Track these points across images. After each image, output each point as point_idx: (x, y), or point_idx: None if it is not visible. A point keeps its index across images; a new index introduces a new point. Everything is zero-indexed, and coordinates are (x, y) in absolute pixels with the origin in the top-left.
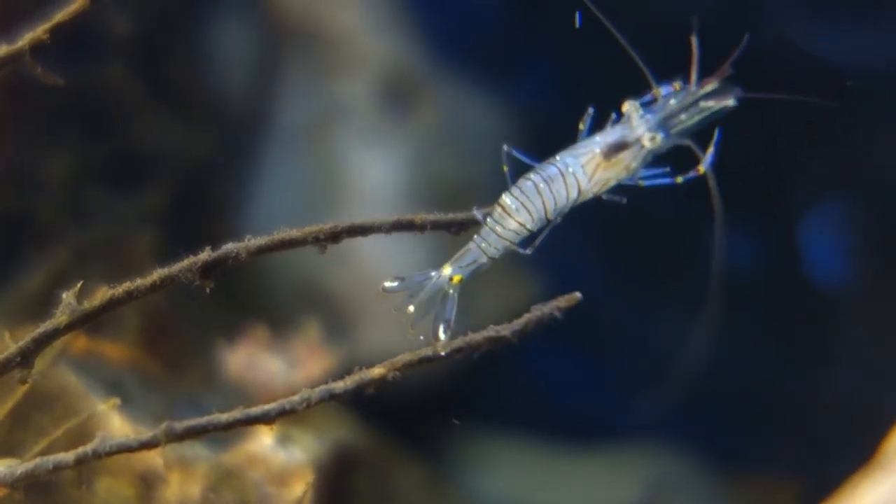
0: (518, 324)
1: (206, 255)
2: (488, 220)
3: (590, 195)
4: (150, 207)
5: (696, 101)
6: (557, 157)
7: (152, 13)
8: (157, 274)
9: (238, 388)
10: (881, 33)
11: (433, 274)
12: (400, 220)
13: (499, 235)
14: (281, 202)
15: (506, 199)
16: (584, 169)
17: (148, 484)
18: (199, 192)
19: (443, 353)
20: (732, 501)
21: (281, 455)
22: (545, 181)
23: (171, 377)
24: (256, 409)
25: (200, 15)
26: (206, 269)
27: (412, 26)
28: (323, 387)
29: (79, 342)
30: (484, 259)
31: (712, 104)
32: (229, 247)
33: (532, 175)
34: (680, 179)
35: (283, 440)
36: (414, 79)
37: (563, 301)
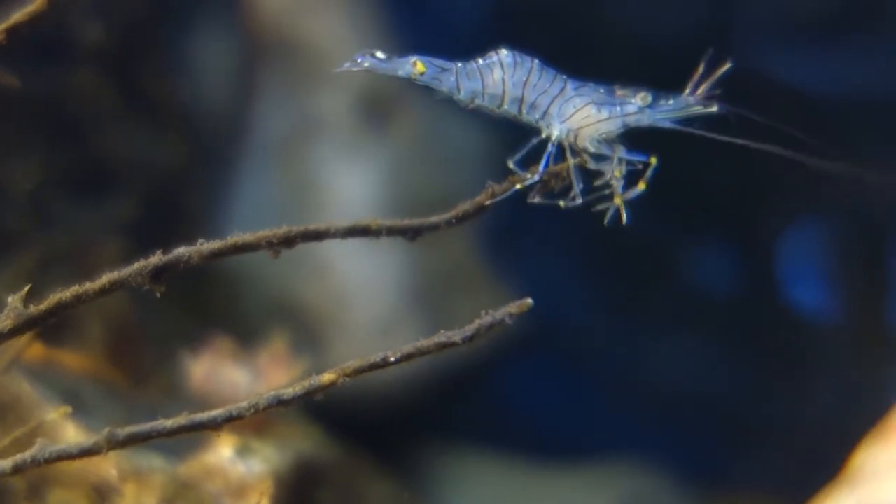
0: (469, 329)
1: (156, 258)
2: (478, 58)
3: (563, 131)
4: (117, 217)
5: (683, 104)
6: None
7: (126, 22)
8: (107, 278)
9: (201, 400)
10: (855, 61)
11: (402, 59)
12: (355, 226)
13: (475, 71)
14: (255, 215)
15: (505, 49)
16: (574, 102)
17: (102, 496)
18: (169, 202)
19: (393, 360)
20: None
21: (240, 467)
22: (542, 75)
23: (133, 388)
24: (203, 415)
25: (176, 25)
26: (157, 273)
27: (390, 40)
28: (271, 392)
29: (35, 350)
30: (451, 79)
31: (698, 109)
32: (181, 251)
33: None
34: (654, 161)
35: (243, 452)
36: (391, 93)
37: (515, 307)
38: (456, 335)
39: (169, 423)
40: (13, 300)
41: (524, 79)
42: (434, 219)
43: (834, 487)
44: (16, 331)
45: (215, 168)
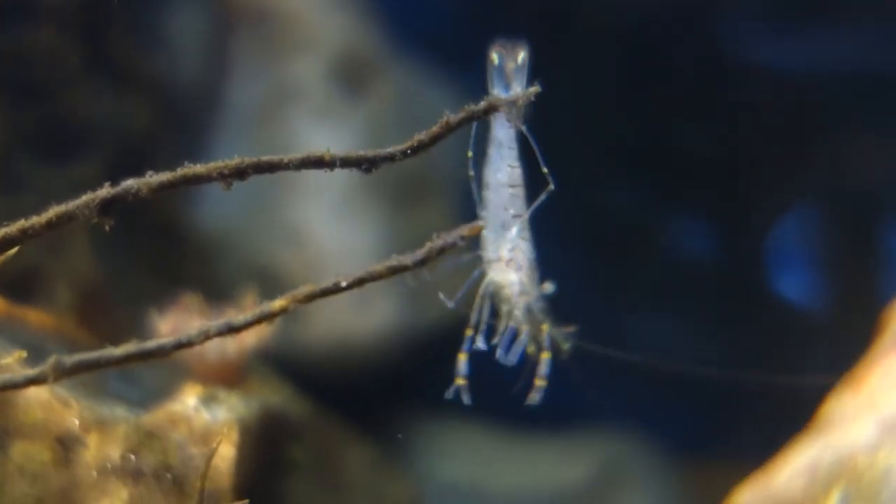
0: (420, 253)
1: (105, 191)
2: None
3: (515, 238)
4: (83, 179)
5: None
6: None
7: None
8: (54, 211)
9: (169, 356)
10: (843, 39)
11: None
12: (308, 157)
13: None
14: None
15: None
16: (524, 233)
17: (65, 447)
18: (138, 166)
19: (344, 284)
20: (684, 482)
21: (204, 415)
22: (523, 194)
23: (100, 347)
24: (151, 343)
25: None
26: (105, 206)
27: (365, 5)
28: (223, 320)
29: None
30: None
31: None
32: (129, 183)
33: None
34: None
35: (208, 401)
36: (367, 59)
37: (466, 229)
38: (407, 258)
39: (117, 351)
40: None
41: (517, 173)
42: (389, 150)
43: (804, 435)
44: None
45: (189, 136)
